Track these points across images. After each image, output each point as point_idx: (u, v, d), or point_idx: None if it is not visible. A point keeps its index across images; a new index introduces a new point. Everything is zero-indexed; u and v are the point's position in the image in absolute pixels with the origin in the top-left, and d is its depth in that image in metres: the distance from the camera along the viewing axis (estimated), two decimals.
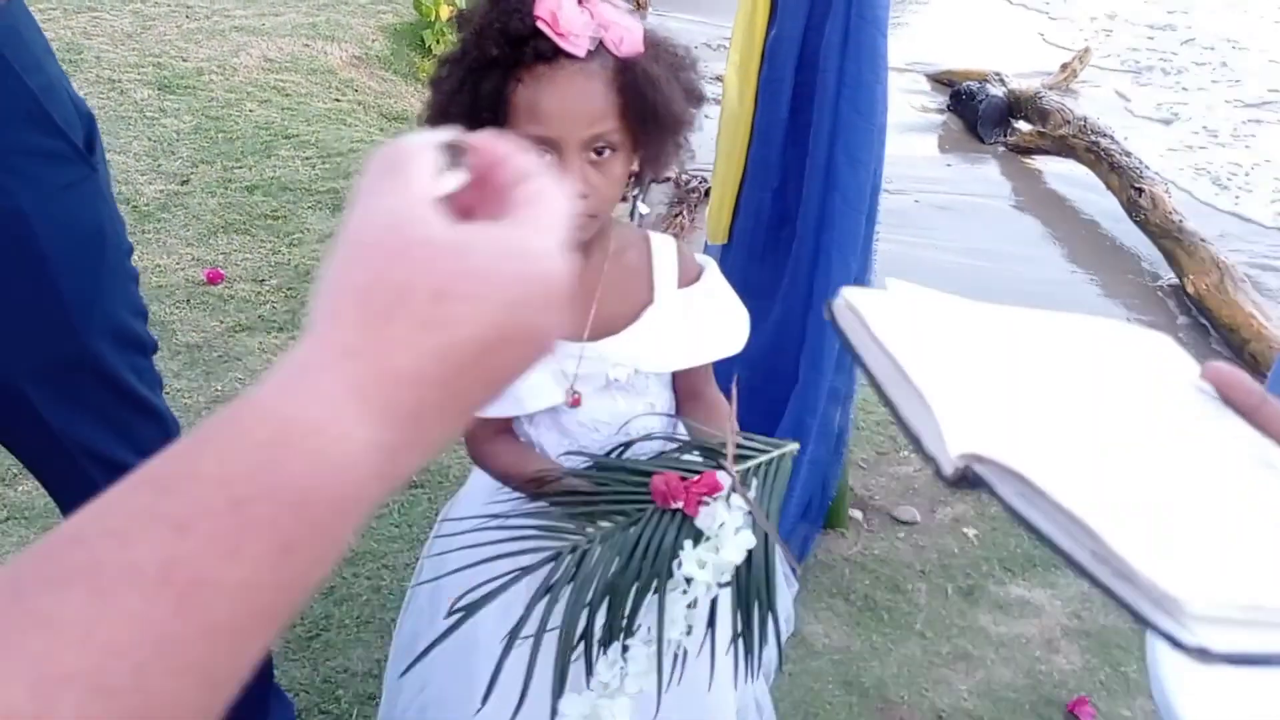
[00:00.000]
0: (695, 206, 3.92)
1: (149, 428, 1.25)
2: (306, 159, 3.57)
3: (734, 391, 1.12)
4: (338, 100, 4.23)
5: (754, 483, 1.11)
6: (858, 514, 2.19)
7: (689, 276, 1.19)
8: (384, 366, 0.32)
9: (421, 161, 0.37)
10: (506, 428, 1.19)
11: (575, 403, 1.15)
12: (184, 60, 4.21)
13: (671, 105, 1.04)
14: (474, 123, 1.05)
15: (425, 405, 0.33)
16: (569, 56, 1.00)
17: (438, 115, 1.06)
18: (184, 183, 3.35)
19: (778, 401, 1.75)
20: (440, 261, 0.33)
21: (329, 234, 3.09)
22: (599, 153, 1.03)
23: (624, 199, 1.20)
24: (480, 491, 1.22)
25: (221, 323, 2.69)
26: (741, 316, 1.20)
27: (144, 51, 4.21)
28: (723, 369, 1.24)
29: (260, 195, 3.31)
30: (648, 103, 1.01)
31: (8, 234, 1.04)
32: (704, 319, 1.18)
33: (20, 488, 2.13)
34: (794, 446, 1.16)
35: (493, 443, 1.18)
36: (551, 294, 0.35)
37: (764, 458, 1.13)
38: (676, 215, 3.91)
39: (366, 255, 0.34)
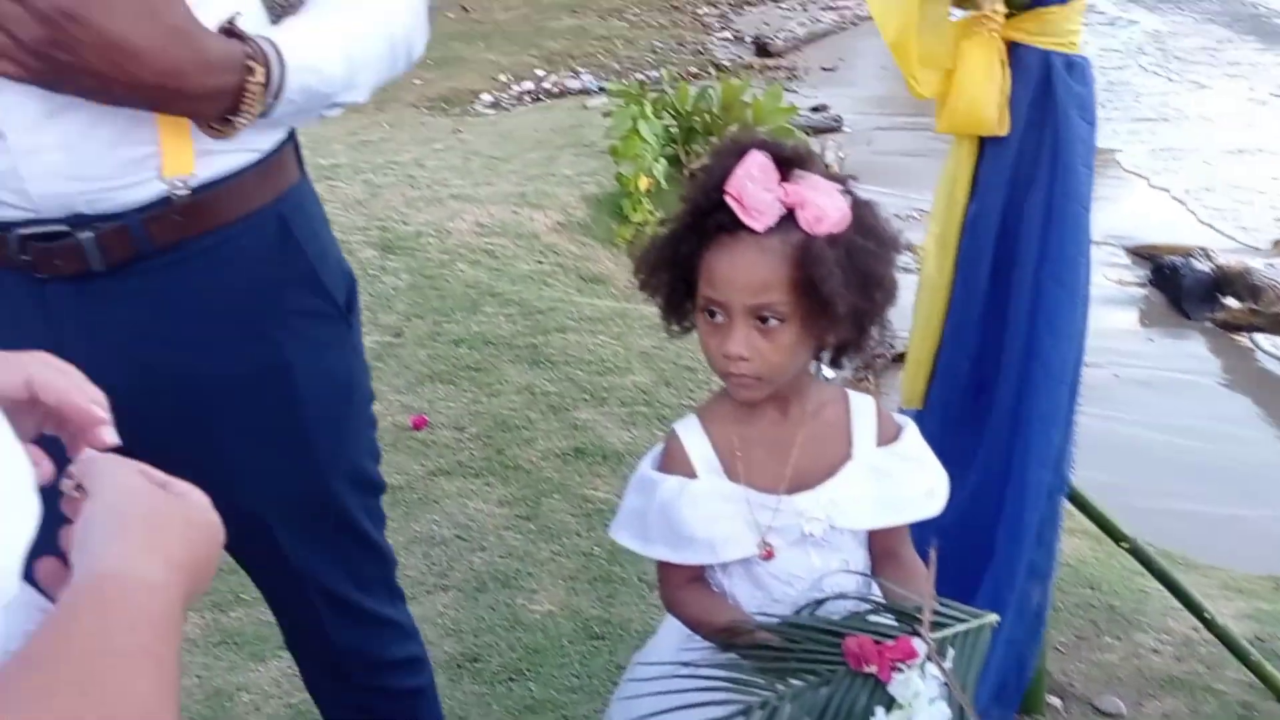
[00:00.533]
0: (881, 372, 3.92)
1: (372, 564, 1.32)
2: (509, 316, 3.76)
3: (932, 556, 1.11)
4: (540, 263, 4.48)
5: (950, 652, 1.09)
6: (1056, 701, 2.07)
7: (888, 435, 1.20)
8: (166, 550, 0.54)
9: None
10: (699, 575, 1.21)
11: (768, 555, 1.16)
12: (405, 224, 4.56)
13: (848, 292, 1.08)
14: (675, 278, 1.14)
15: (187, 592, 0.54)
16: (749, 229, 1.07)
17: (649, 269, 1.17)
18: (398, 335, 3.58)
19: (972, 574, 1.70)
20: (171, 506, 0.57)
21: (526, 386, 3.24)
22: (764, 320, 1.08)
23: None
24: (672, 638, 1.23)
25: (423, 466, 2.82)
26: (941, 479, 1.20)
27: (371, 216, 4.58)
28: (918, 533, 1.23)
29: (466, 348, 3.50)
30: (821, 286, 1.06)
31: (275, 383, 1.15)
32: (902, 478, 1.18)
33: (233, 613, 2.26)
34: (994, 618, 1.13)
35: (685, 590, 1.20)
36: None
37: (962, 627, 1.11)
38: (862, 380, 3.91)
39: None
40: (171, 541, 0.52)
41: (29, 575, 0.56)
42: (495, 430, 3.01)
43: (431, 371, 3.35)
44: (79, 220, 1.00)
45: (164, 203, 1.03)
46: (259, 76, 0.95)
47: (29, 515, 0.48)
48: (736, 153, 1.10)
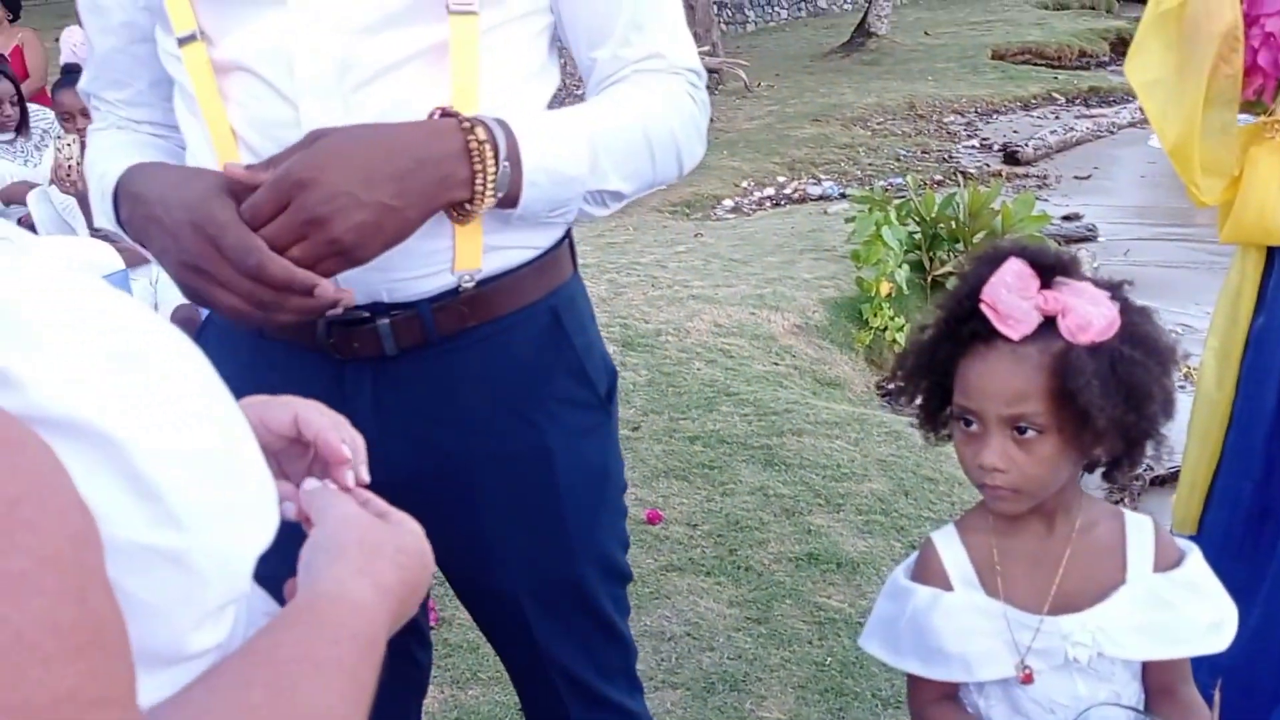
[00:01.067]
0: (1140, 495, 3.66)
1: (615, 653, 1.33)
2: (744, 416, 3.77)
3: (1216, 698, 1.02)
4: (776, 364, 4.48)
5: None
6: None
7: (1167, 560, 1.12)
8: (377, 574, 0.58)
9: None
10: (952, 693, 1.15)
11: (1027, 679, 1.10)
12: (646, 322, 4.68)
13: (1110, 404, 1.02)
14: (932, 384, 1.13)
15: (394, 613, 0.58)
16: (1005, 337, 1.04)
17: (906, 374, 1.16)
18: (635, 429, 3.66)
19: (1260, 718, 1.54)
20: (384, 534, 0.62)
21: (760, 487, 3.22)
22: (1021, 431, 1.04)
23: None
24: None
25: (656, 560, 2.84)
26: (1229, 612, 1.10)
27: (613, 314, 4.74)
28: (1197, 671, 1.13)
29: (700, 445, 3.53)
30: (1079, 397, 1.01)
31: (536, 466, 1.18)
32: (1183, 609, 1.09)
33: (470, 691, 2.32)
34: None
35: (937, 707, 1.14)
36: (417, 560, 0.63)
37: None
38: (1118, 501, 3.66)
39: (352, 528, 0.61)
40: (383, 566, 0.56)
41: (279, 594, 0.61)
42: (728, 529, 3.00)
43: (666, 467, 3.39)
44: (378, 308, 1.08)
45: (452, 294, 1.09)
46: (480, 135, 0.97)
47: (266, 527, 0.51)
48: (994, 259, 1.08)
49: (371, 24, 1.00)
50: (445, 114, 0.98)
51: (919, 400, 1.16)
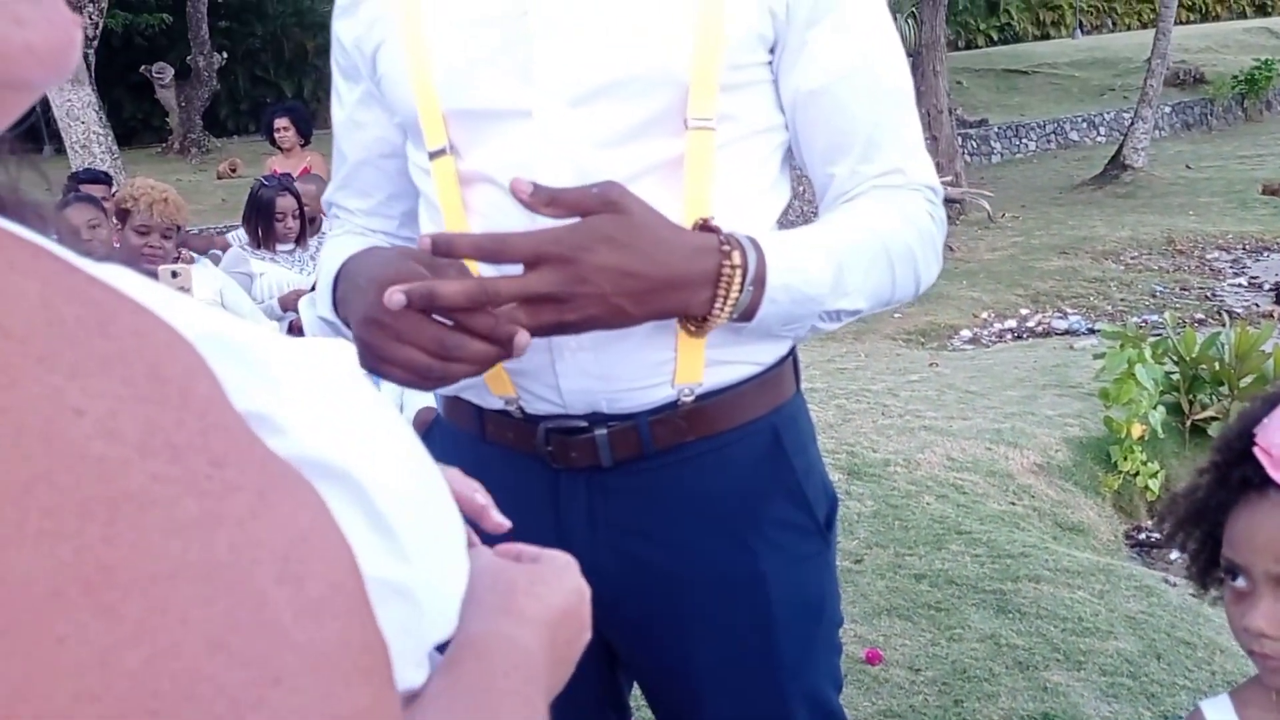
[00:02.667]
0: None
1: None
2: (976, 556, 3.57)
3: None
4: (1013, 504, 4.24)
5: None
6: None
7: None
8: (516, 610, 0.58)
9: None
10: None
11: None
12: (874, 451, 4.55)
13: None
14: (1202, 534, 1.02)
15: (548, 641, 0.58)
16: (1278, 486, 0.94)
17: (1175, 521, 1.08)
18: (857, 561, 3.52)
19: None
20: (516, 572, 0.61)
21: (991, 635, 3.01)
22: None
23: None
24: None
25: (873, 704, 2.69)
26: None
27: (840, 440, 4.64)
28: None
29: (927, 585, 3.35)
30: None
31: (748, 592, 1.14)
32: None
33: None
34: None
35: None
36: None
37: None
38: None
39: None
40: (520, 601, 0.58)
41: None
42: (953, 678, 2.81)
43: (889, 604, 3.23)
44: (596, 418, 1.08)
45: (671, 407, 1.08)
46: (735, 259, 0.95)
47: (465, 569, 0.53)
48: (1270, 402, 0.99)
49: (612, 138, 1.02)
50: (705, 227, 0.98)
51: (1189, 550, 1.06)
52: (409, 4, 1.06)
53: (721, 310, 0.96)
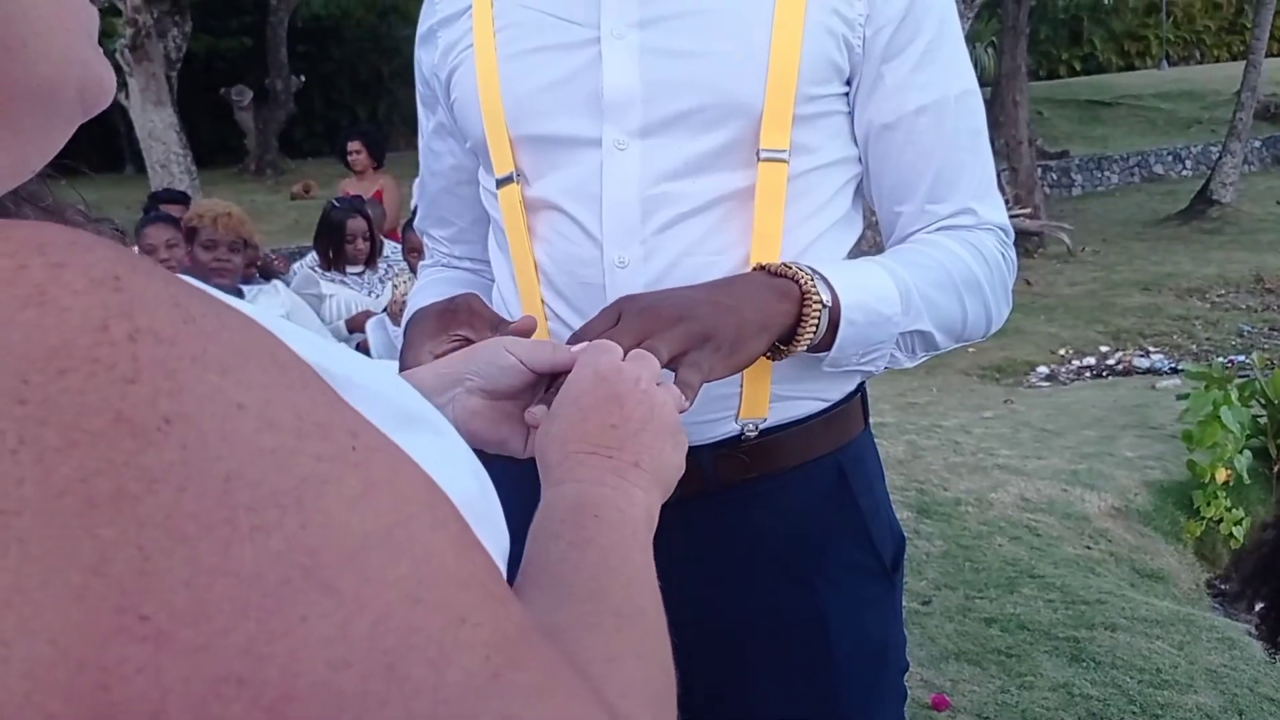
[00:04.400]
0: None
1: None
2: (1049, 601, 3.45)
3: None
4: (1089, 548, 4.11)
5: None
6: None
7: None
8: (640, 465, 0.63)
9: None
10: None
11: None
12: (944, 490, 4.44)
13: None
14: (1273, 592, 0.98)
15: (654, 477, 0.63)
16: None
17: (1242, 578, 1.04)
18: (925, 603, 3.43)
19: None
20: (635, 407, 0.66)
21: (1064, 684, 2.90)
22: None
23: None
24: None
25: None
26: None
27: (910, 477, 4.54)
28: None
29: (997, 629, 3.25)
30: None
31: (810, 634, 1.10)
32: None
33: None
34: None
35: None
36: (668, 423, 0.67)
37: None
38: None
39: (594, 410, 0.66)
40: (620, 457, 0.62)
41: None
42: None
43: (958, 649, 3.13)
44: None
45: (733, 442, 1.05)
46: (805, 284, 0.94)
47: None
48: None
49: (681, 169, 1.00)
50: (776, 273, 0.96)
51: (1258, 608, 0.99)
52: (481, 31, 1.06)
53: (802, 335, 0.94)
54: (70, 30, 0.42)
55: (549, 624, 0.45)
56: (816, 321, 0.94)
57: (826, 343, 0.97)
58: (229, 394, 0.32)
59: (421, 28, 1.15)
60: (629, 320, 0.84)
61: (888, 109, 1.04)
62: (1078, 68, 26.84)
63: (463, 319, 0.94)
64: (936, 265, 1.04)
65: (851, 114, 1.06)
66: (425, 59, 1.14)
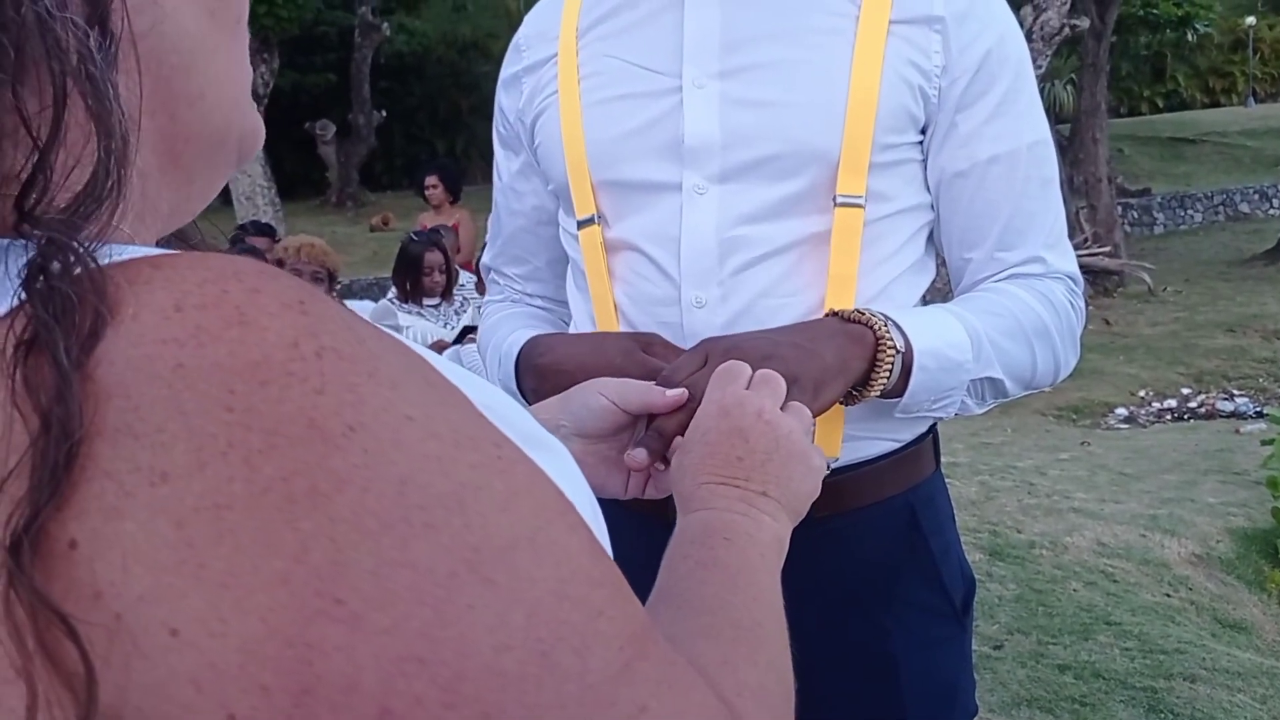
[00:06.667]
0: None
1: None
2: (1125, 650, 3.37)
3: None
4: (1168, 595, 4.00)
5: None
6: None
7: None
8: (769, 494, 0.67)
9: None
10: None
11: None
12: (1018, 532, 4.37)
13: None
14: None
15: (782, 505, 0.67)
16: None
17: None
18: (997, 647, 3.37)
19: None
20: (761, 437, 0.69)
21: None
22: None
23: None
24: None
25: None
26: None
27: (983, 519, 4.47)
28: None
29: (1071, 677, 3.18)
30: None
31: (878, 672, 1.11)
32: None
33: None
34: None
35: None
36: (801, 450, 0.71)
37: None
38: None
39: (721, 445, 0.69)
40: (753, 487, 0.66)
41: None
42: None
43: (1030, 695, 3.07)
44: None
45: None
46: (879, 330, 0.95)
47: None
48: None
49: (758, 213, 1.02)
50: (850, 319, 0.97)
51: None
52: (566, 78, 1.10)
53: (876, 380, 0.96)
54: (237, 83, 0.46)
55: (670, 633, 0.48)
56: (890, 367, 0.95)
57: (899, 388, 0.98)
58: (399, 406, 0.36)
59: (505, 73, 1.18)
60: (716, 362, 0.86)
61: (960, 157, 1.05)
62: (1160, 104, 26.36)
63: (659, 351, 0.97)
64: (1006, 313, 1.05)
65: (926, 161, 1.07)
66: (509, 103, 1.18)
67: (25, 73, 0.36)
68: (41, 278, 0.34)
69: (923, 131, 1.06)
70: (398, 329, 4.35)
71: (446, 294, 4.58)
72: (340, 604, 0.33)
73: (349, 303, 4.57)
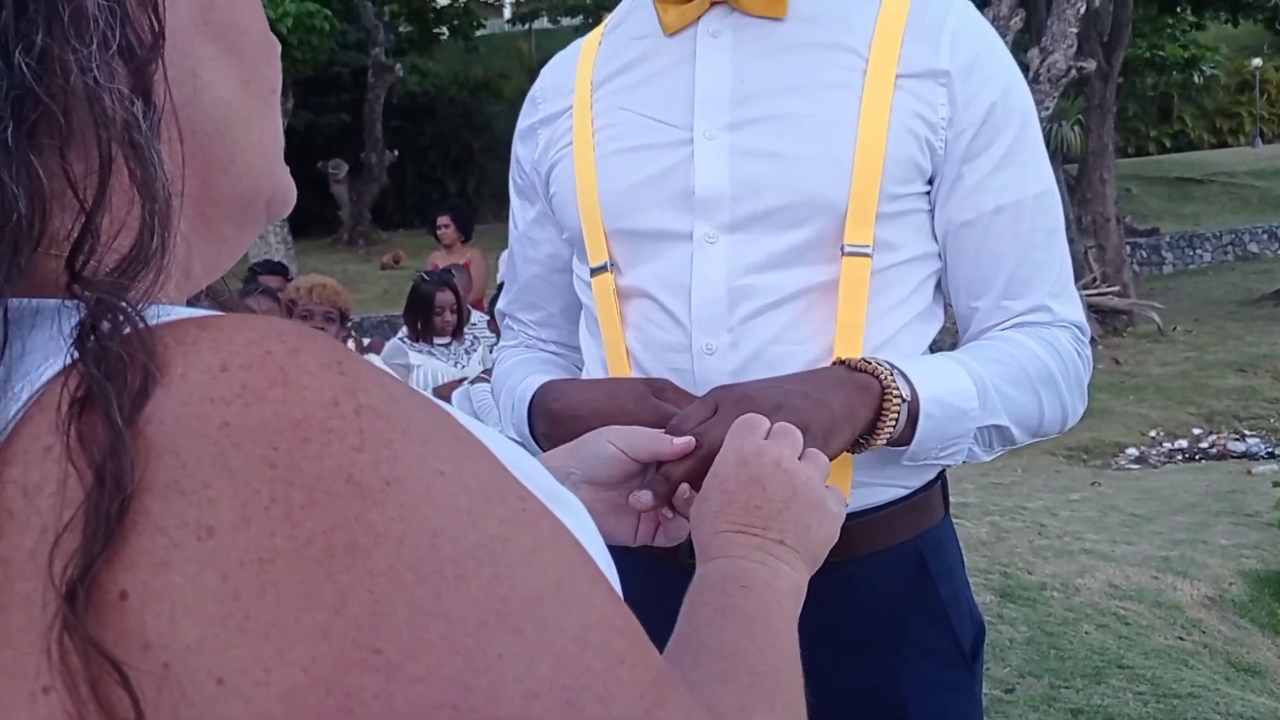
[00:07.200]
0: None
1: None
2: (1139, 694, 3.34)
3: None
4: (1181, 639, 3.97)
5: None
6: None
7: None
8: (786, 543, 0.68)
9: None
10: None
11: None
12: (1029, 574, 4.34)
13: None
14: None
15: (799, 553, 0.68)
16: None
17: None
18: (1008, 691, 3.34)
19: None
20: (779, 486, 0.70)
21: None
22: None
23: None
24: None
25: None
26: None
27: (993, 560, 4.45)
28: None
29: (1085, 719, 3.15)
30: None
31: (887, 715, 1.11)
32: None
33: None
34: None
35: None
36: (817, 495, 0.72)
37: None
38: None
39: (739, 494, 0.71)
40: (771, 535, 0.68)
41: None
42: None
43: None
44: None
45: None
46: (885, 379, 0.97)
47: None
48: None
49: (767, 262, 1.04)
50: (857, 368, 0.99)
51: None
52: (581, 130, 1.12)
53: (882, 429, 0.97)
54: (268, 148, 0.49)
55: (688, 678, 0.49)
56: (896, 415, 0.97)
57: (906, 436, 0.99)
58: (431, 462, 0.37)
59: (522, 124, 1.21)
60: (726, 410, 0.87)
61: (967, 208, 1.07)
62: (1168, 144, 26.44)
63: (670, 396, 0.99)
64: (1012, 361, 1.06)
65: (933, 211, 1.09)
66: (525, 154, 1.20)
67: (73, 139, 0.38)
68: (93, 337, 0.35)
69: (930, 182, 1.07)
70: (408, 368, 4.38)
71: (457, 333, 4.60)
72: (378, 653, 0.34)
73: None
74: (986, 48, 1.07)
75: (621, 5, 1.17)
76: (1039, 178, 1.09)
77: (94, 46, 0.39)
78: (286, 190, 0.50)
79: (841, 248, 1.03)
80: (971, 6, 1.10)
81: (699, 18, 1.07)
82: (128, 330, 0.36)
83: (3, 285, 0.36)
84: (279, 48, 0.52)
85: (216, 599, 0.33)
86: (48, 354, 0.36)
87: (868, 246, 1.03)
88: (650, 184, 1.07)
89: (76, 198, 0.38)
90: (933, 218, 1.09)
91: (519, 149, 1.22)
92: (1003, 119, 1.06)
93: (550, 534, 0.40)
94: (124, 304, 0.36)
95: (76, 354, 0.35)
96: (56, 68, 0.38)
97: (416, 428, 0.38)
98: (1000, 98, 1.06)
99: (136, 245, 0.38)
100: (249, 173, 0.47)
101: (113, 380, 0.34)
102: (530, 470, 0.45)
